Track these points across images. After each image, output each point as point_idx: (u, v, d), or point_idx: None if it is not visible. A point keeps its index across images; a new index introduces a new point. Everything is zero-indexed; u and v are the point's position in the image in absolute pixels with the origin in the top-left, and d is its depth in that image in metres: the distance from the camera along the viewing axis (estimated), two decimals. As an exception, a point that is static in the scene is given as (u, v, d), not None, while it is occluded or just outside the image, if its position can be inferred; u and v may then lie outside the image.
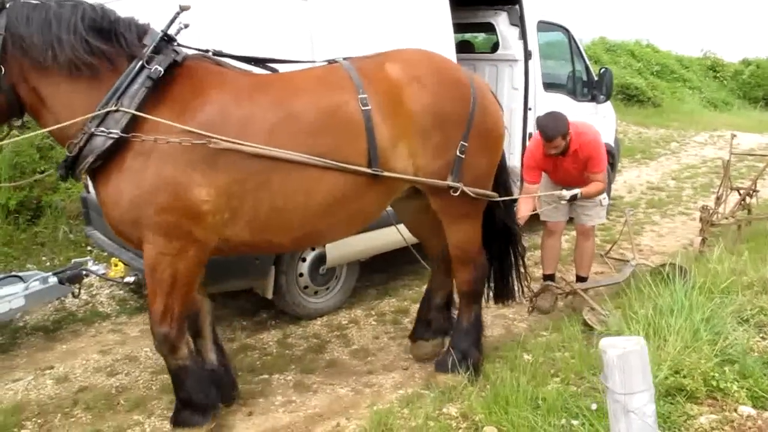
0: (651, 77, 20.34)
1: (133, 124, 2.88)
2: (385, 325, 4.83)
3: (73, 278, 4.70)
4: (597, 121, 6.48)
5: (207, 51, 3.27)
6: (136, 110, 2.86)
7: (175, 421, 3.34)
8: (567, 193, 4.62)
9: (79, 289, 4.86)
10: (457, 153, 3.40)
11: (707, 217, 6.12)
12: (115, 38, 2.95)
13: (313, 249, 4.74)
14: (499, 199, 3.76)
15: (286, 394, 3.88)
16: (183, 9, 3.05)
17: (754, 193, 6.63)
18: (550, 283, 4.98)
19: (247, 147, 2.95)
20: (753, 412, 3.07)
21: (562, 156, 4.66)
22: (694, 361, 3.37)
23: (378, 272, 5.67)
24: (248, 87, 3.14)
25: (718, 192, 6.40)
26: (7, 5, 2.85)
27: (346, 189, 3.20)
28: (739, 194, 6.57)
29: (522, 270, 4.27)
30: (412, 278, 5.74)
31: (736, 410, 3.10)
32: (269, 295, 4.62)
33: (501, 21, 6.43)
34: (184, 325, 3.25)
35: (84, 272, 4.75)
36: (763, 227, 6.56)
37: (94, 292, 5.54)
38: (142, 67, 2.92)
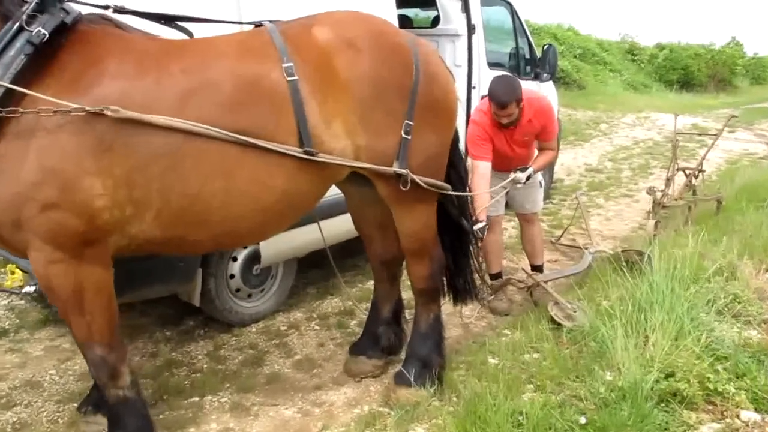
0: (574, 60, 20.57)
1: (8, 100, 2.24)
2: (330, 329, 4.28)
3: (-42, 290, 3.94)
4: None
5: (106, 8, 2.62)
6: (11, 83, 2.23)
7: None
8: (522, 176, 4.20)
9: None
10: (402, 133, 2.88)
11: (659, 199, 5.91)
12: None
13: (245, 247, 4.14)
14: (453, 193, 3.29)
15: (222, 420, 3.28)
16: None
17: (700, 173, 6.50)
18: (511, 277, 4.56)
19: (155, 118, 2.36)
20: (757, 417, 2.74)
21: (513, 128, 4.22)
22: (686, 361, 3.03)
23: (315, 268, 5.10)
24: (155, 53, 2.52)
25: (668, 173, 6.21)
26: None
27: (273, 172, 2.64)
28: (686, 175, 6.41)
29: (478, 265, 3.84)
30: (354, 274, 5.22)
31: (738, 416, 2.77)
32: (196, 302, 3.99)
33: (452, 6, 5.97)
34: (122, 343, 2.68)
35: (-28, 284, 3.98)
36: (710, 207, 6.43)
37: (-19, 303, 4.72)
38: (20, 29, 2.27)
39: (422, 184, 2.94)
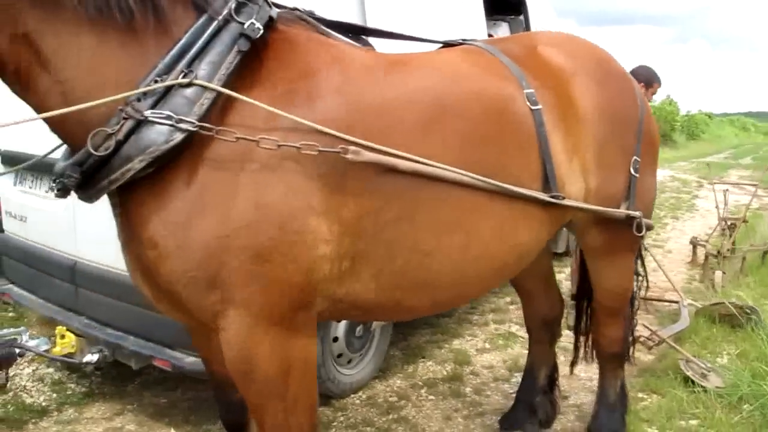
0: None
1: (213, 111, 1.70)
2: (446, 398, 3.73)
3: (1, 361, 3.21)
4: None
5: (293, 9, 2.11)
6: (223, 86, 1.69)
7: None
8: None
9: (7, 376, 3.37)
10: (631, 170, 2.52)
11: (710, 251, 5.95)
12: None
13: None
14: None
15: None
16: None
17: (743, 224, 6.50)
18: (641, 335, 4.17)
19: (405, 164, 1.86)
20: None
21: None
22: None
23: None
24: (379, 69, 2.03)
25: (719, 224, 6.26)
26: None
27: (519, 225, 2.20)
28: (728, 227, 6.36)
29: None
30: (426, 330, 4.73)
31: None
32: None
33: (501, 33, 5.72)
34: None
35: (17, 350, 3.25)
36: (758, 257, 6.37)
37: (11, 373, 3.90)
38: (228, 20, 1.76)
39: (646, 226, 2.55)
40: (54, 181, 1.76)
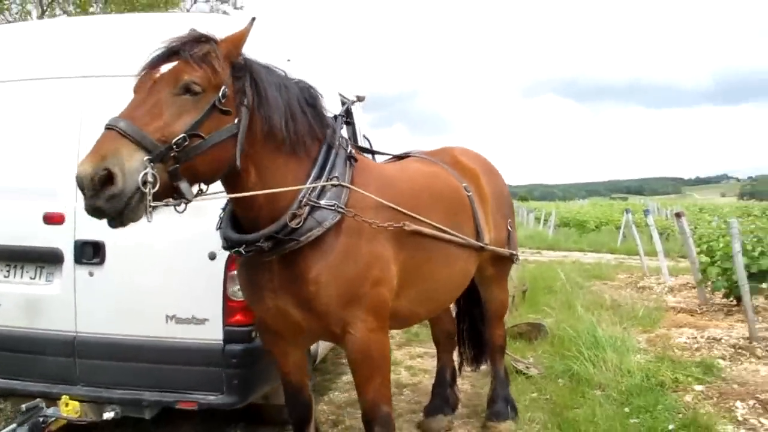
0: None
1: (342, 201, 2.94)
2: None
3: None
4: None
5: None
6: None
7: None
8: None
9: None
10: (508, 227, 4.25)
11: None
12: (318, 118, 3.00)
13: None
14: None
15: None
16: (359, 99, 3.30)
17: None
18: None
19: (428, 231, 3.30)
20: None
21: None
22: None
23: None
24: (396, 173, 3.49)
25: None
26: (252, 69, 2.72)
27: (468, 261, 3.76)
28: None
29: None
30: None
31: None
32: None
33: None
34: None
35: (42, 420, 3.67)
36: (518, 295, 8.70)
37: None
38: (340, 148, 3.03)
39: (516, 261, 4.26)
40: (244, 249, 2.79)
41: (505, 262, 4.30)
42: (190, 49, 2.47)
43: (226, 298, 3.72)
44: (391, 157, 4.11)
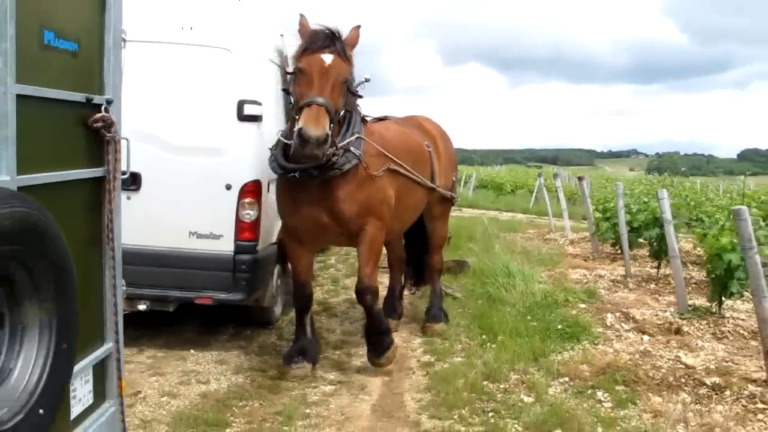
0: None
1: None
2: (338, 317, 6.29)
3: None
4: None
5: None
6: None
7: (390, 341, 4.71)
8: None
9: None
10: (453, 178, 5.66)
11: None
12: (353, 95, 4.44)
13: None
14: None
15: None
16: (366, 80, 4.54)
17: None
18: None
19: (409, 174, 4.78)
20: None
21: None
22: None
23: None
24: (384, 131, 4.87)
25: None
26: None
27: (423, 197, 5.20)
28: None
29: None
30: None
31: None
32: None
33: None
34: None
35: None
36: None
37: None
38: (358, 114, 4.51)
39: (455, 202, 5.68)
40: (299, 174, 4.15)
41: (447, 204, 5.79)
42: (341, 47, 4.17)
43: (237, 220, 4.91)
44: (373, 118, 5.36)
